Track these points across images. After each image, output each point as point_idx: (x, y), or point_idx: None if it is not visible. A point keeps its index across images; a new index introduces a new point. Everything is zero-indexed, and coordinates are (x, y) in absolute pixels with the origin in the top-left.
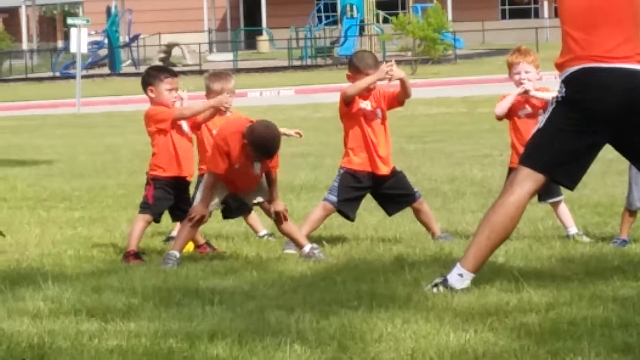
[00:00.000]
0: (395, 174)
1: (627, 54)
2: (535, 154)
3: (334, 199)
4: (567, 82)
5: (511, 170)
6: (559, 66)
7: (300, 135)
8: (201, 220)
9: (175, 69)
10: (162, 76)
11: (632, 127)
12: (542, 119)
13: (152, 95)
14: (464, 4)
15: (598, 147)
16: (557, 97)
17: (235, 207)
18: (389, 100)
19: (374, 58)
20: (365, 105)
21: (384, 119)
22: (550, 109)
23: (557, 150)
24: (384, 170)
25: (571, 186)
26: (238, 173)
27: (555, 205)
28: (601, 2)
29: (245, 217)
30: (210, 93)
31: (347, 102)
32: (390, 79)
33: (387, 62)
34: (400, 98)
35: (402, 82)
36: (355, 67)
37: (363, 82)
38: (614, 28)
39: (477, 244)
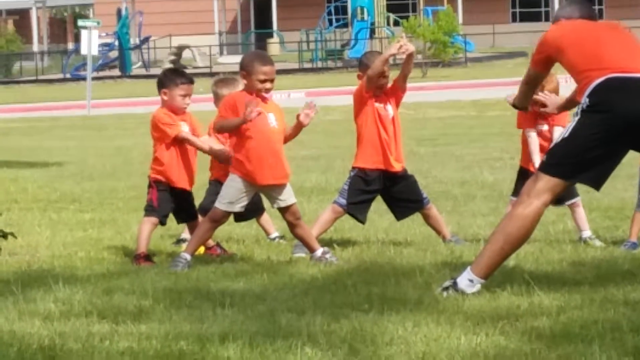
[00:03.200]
0: (407, 178)
1: None
2: (560, 162)
3: (344, 201)
4: (592, 93)
5: (522, 169)
6: (580, 91)
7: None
8: (220, 221)
9: (186, 71)
10: (178, 81)
11: None
12: (566, 129)
13: (165, 97)
14: (474, 7)
15: (624, 152)
16: (581, 107)
17: (247, 209)
18: (392, 90)
19: (380, 54)
20: (378, 103)
21: (395, 115)
22: (575, 119)
23: (583, 158)
24: (396, 167)
25: (597, 187)
26: (256, 128)
27: (572, 207)
28: (607, 33)
29: (257, 218)
30: (218, 99)
31: (369, 86)
32: (404, 52)
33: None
34: (400, 81)
35: (409, 56)
36: (365, 65)
37: (380, 58)
38: (627, 51)
39: (489, 252)
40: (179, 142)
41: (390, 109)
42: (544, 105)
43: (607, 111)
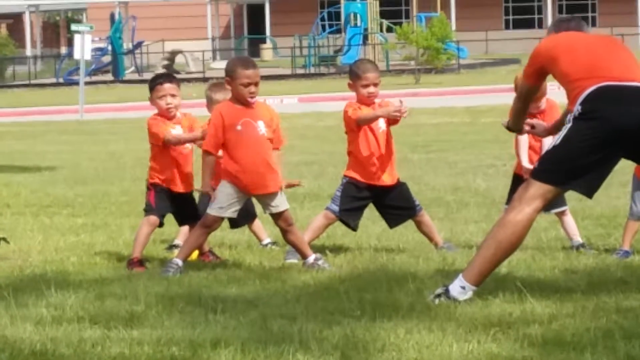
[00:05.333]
0: (399, 186)
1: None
2: (550, 169)
3: (336, 208)
4: (584, 101)
5: (515, 175)
6: (573, 99)
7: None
8: (212, 226)
9: (179, 76)
10: (153, 84)
11: None
12: (558, 136)
13: (152, 103)
14: (467, 13)
15: (616, 159)
16: (573, 115)
17: (240, 216)
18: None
19: (373, 63)
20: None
21: (388, 130)
22: (567, 126)
23: (575, 165)
24: (386, 181)
25: (589, 195)
26: (246, 139)
27: (560, 215)
28: (600, 43)
29: (249, 225)
30: (212, 103)
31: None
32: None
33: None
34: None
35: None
36: (355, 74)
37: (373, 114)
38: (620, 60)
39: (481, 258)
40: (173, 146)
41: (382, 122)
42: (533, 127)
43: (598, 119)
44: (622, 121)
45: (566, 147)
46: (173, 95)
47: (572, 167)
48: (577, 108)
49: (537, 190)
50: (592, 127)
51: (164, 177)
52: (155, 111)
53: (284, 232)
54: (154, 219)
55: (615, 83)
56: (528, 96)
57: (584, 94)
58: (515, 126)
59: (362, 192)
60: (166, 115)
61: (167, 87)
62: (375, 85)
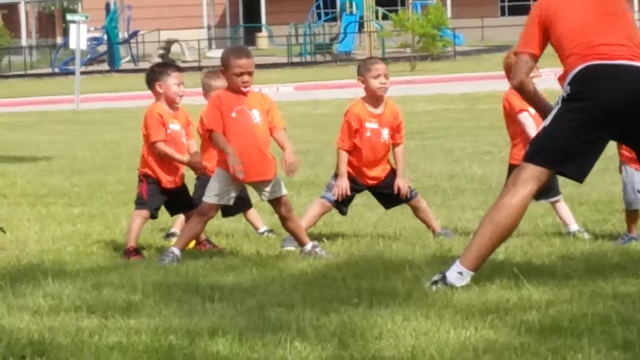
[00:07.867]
0: (393, 172)
1: (630, 54)
2: (541, 150)
3: (331, 196)
4: (573, 81)
5: (512, 166)
6: (562, 77)
7: None
8: (208, 214)
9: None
10: (169, 70)
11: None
12: (547, 118)
13: (161, 90)
14: (463, 0)
15: (605, 141)
16: (562, 96)
17: (234, 204)
18: (394, 119)
19: (380, 59)
20: (372, 124)
21: (393, 140)
22: (556, 107)
23: (565, 146)
24: (374, 182)
25: (580, 179)
26: (240, 126)
27: (554, 204)
28: (594, 18)
29: (245, 213)
30: (209, 91)
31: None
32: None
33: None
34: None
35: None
36: (364, 67)
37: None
38: (612, 36)
39: (478, 243)
40: (169, 140)
41: (386, 133)
42: None
43: (587, 99)
44: (611, 101)
45: (556, 129)
46: (183, 84)
47: (563, 149)
48: (565, 88)
49: (530, 172)
50: (581, 108)
51: (155, 172)
52: (153, 101)
53: (284, 219)
54: (145, 212)
55: (604, 62)
56: (528, 73)
57: (572, 74)
58: (546, 109)
59: (355, 181)
60: (174, 101)
61: (181, 75)
62: (386, 76)
